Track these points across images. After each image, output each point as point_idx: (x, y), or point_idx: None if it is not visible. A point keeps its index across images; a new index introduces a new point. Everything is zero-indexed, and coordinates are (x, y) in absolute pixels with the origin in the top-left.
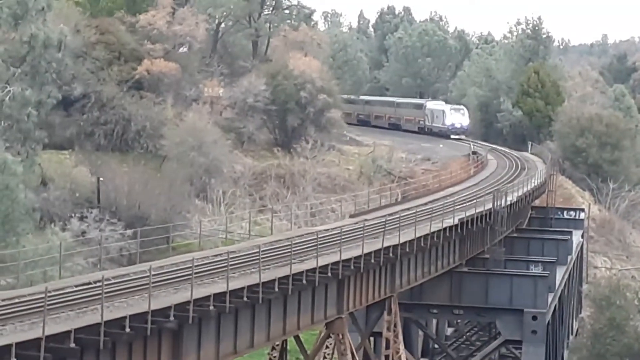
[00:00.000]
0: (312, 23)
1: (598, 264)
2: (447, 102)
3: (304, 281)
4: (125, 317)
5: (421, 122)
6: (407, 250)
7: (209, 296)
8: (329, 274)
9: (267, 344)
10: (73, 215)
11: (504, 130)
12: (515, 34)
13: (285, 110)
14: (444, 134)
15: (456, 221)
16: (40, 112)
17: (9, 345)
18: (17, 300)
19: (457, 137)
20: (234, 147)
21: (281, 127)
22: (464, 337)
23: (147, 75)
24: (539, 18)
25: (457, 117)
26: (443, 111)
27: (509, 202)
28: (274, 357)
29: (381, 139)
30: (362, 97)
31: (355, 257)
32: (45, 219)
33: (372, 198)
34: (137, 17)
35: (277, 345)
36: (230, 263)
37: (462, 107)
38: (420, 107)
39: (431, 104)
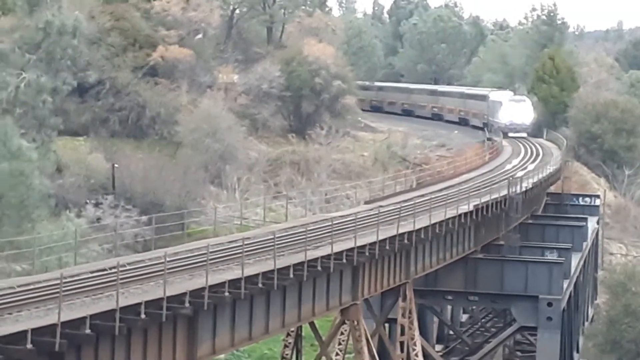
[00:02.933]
0: (327, 9)
1: (613, 250)
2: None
3: (319, 268)
4: (140, 304)
5: (485, 117)
6: (422, 236)
7: (224, 282)
8: (344, 261)
9: (282, 330)
10: (88, 201)
11: None
12: (530, 20)
13: (299, 96)
14: (502, 132)
15: (471, 207)
16: (56, 98)
17: (25, 331)
18: (32, 287)
19: (517, 135)
20: (249, 134)
21: (296, 114)
22: (479, 323)
23: (162, 61)
24: (554, 4)
25: (516, 111)
26: (500, 103)
27: (524, 189)
28: (289, 343)
29: (396, 125)
30: (433, 87)
31: (370, 244)
32: (61, 206)
33: (386, 184)
34: (152, 4)
35: (292, 331)
36: (245, 249)
37: (524, 97)
38: (483, 98)
39: (494, 95)
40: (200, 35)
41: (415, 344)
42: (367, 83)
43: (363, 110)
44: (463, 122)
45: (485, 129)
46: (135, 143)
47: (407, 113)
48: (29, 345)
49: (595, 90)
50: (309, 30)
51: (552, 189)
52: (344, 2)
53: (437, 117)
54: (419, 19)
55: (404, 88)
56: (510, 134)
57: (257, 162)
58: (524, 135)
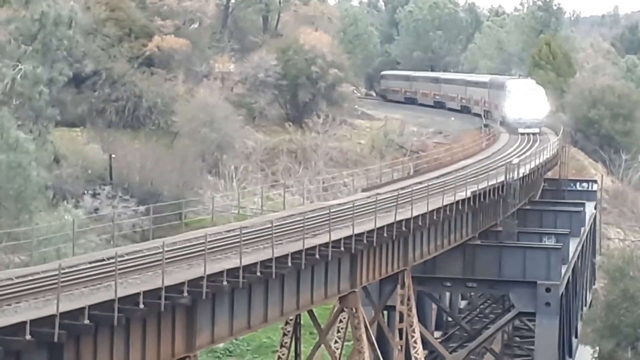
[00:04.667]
0: None
1: (611, 235)
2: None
3: (317, 256)
4: (139, 294)
5: (504, 110)
6: (420, 223)
7: (222, 272)
8: (342, 249)
9: (281, 319)
10: (85, 192)
11: None
12: (526, 5)
13: (296, 85)
14: (511, 127)
15: (469, 194)
16: (52, 89)
17: (24, 323)
18: (31, 278)
19: (527, 131)
20: (246, 123)
21: (292, 102)
22: (478, 309)
23: (158, 51)
24: None
25: (526, 103)
26: (510, 92)
27: (521, 175)
28: (288, 331)
29: (393, 113)
30: (462, 76)
31: (368, 231)
32: (58, 197)
33: (384, 172)
34: None
35: (291, 320)
36: (243, 238)
37: (536, 86)
38: (501, 87)
39: (511, 84)
40: (196, 25)
41: (414, 331)
42: (403, 72)
43: (397, 102)
44: (487, 115)
45: (483, 117)
46: (132, 133)
47: (440, 105)
48: (28, 336)
49: (591, 76)
50: (305, 19)
51: (549, 174)
52: None
53: (465, 110)
54: (414, 6)
55: (435, 78)
56: (520, 130)
57: (254, 151)
58: (537, 131)
